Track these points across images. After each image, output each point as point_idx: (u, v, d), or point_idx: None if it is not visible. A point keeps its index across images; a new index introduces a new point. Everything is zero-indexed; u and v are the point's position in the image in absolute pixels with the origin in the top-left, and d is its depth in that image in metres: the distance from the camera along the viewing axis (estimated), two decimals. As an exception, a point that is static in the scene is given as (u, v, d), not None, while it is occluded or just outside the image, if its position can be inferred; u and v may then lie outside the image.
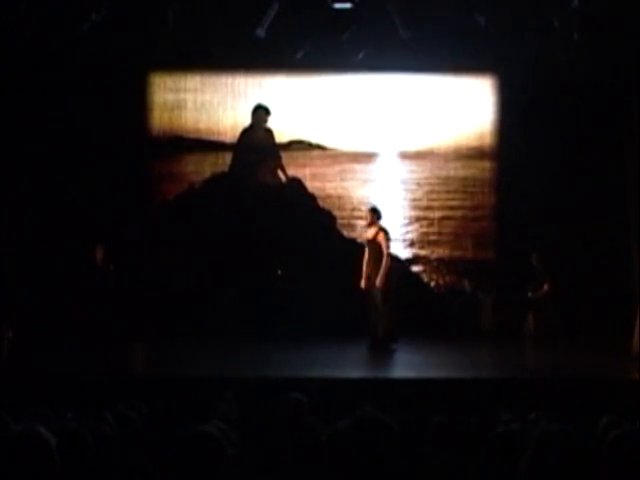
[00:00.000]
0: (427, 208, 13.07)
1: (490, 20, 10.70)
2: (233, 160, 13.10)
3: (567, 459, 2.69)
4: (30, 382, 8.53)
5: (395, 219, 12.81)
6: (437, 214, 13.06)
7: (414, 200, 13.05)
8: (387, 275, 10.84)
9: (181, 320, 12.15)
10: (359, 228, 12.99)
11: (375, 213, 11.13)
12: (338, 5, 10.60)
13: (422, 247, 12.87)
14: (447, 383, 8.91)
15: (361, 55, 11.79)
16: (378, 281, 10.79)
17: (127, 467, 4.06)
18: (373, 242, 10.99)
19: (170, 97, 13.01)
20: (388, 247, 10.96)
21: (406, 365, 10.56)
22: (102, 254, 11.98)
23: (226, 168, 13.08)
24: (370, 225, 11.11)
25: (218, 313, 12.24)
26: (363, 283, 11.03)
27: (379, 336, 10.95)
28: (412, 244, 13.00)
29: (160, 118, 13.00)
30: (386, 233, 11.08)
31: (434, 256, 12.99)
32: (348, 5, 10.61)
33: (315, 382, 8.38)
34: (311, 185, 13.06)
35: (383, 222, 11.52)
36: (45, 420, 4.79)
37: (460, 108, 13.02)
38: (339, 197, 13.09)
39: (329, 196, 13.07)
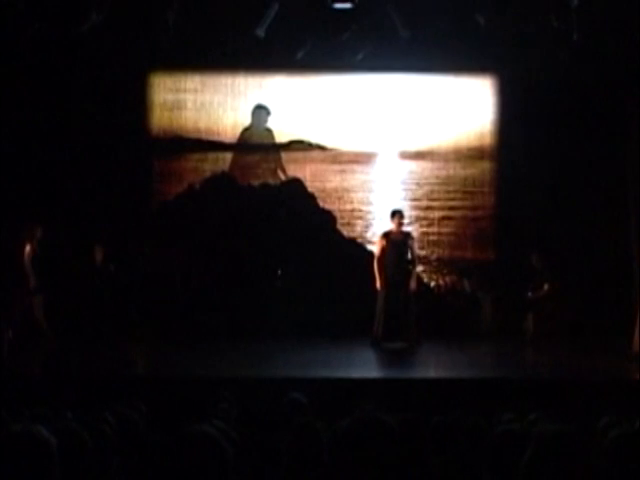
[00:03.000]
0: (427, 208, 13.06)
1: (490, 20, 10.70)
2: (233, 160, 13.11)
3: (567, 459, 2.69)
4: (30, 382, 8.54)
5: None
6: (437, 214, 13.06)
7: (414, 200, 13.05)
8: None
9: (181, 320, 12.14)
10: (359, 228, 13.01)
11: (403, 216, 11.37)
12: (338, 5, 10.59)
13: (422, 247, 12.86)
14: (447, 383, 8.92)
15: (361, 55, 11.78)
16: (413, 283, 11.20)
17: (127, 467, 4.05)
18: (402, 245, 11.12)
19: (170, 97, 13.01)
20: (416, 250, 11.57)
21: (406, 365, 10.58)
22: (102, 254, 11.98)
23: (226, 168, 13.08)
24: (399, 228, 11.26)
25: (218, 313, 12.24)
26: (379, 284, 11.08)
27: (381, 335, 11.04)
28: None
29: (160, 118, 13.00)
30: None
31: (434, 256, 12.99)
32: (348, 5, 10.60)
33: (315, 382, 8.38)
34: (311, 185, 13.05)
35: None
36: (45, 420, 4.79)
37: (460, 108, 13.02)
38: (339, 197, 13.08)
39: (329, 196, 13.07)
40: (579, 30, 10.39)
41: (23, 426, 2.76)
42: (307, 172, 13.06)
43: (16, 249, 11.27)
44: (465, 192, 13.09)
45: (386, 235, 11.33)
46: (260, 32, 10.92)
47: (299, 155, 13.08)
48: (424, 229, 12.97)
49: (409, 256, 11.29)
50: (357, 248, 12.81)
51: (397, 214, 11.35)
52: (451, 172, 13.07)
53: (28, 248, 11.23)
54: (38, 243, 11.31)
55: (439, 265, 13.01)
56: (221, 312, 12.24)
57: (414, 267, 11.38)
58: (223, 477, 2.62)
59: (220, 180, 13.02)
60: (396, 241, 11.21)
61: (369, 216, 13.02)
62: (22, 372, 9.36)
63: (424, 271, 12.91)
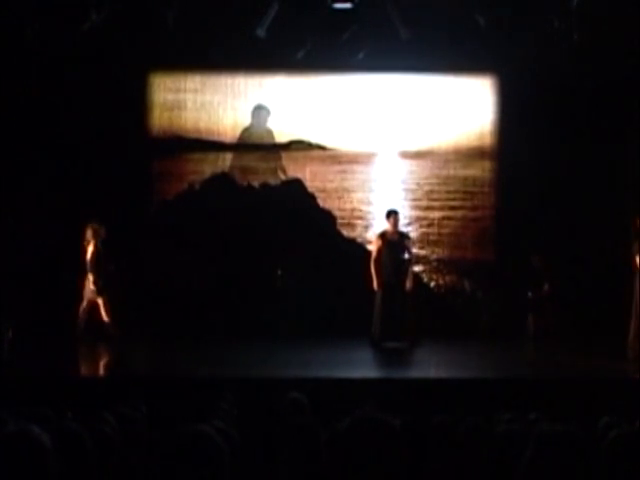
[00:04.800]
0: (427, 208, 13.06)
1: (490, 20, 10.70)
2: (233, 160, 13.10)
3: (567, 459, 2.69)
4: (30, 382, 8.53)
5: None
6: (437, 214, 13.06)
7: (414, 200, 13.05)
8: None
9: (181, 320, 12.14)
10: (359, 228, 13.00)
11: (398, 216, 11.39)
12: (338, 5, 10.60)
13: (422, 247, 12.87)
14: (447, 383, 8.91)
15: (361, 55, 11.79)
16: (409, 283, 11.17)
17: (127, 467, 4.05)
18: (398, 245, 11.12)
19: (170, 97, 13.00)
20: (412, 250, 11.59)
21: (406, 365, 10.58)
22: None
23: (226, 168, 13.07)
24: (394, 228, 11.26)
25: (218, 313, 12.24)
26: (376, 284, 11.09)
27: (380, 335, 11.04)
28: (412, 244, 12.98)
29: (160, 118, 12.99)
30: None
31: (434, 256, 12.99)
32: (348, 5, 10.61)
33: (315, 382, 8.38)
34: (311, 185, 13.05)
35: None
36: (45, 420, 4.79)
37: (460, 108, 13.02)
38: (339, 197, 13.08)
39: (329, 196, 13.07)
40: (579, 30, 10.40)
41: (16, 426, 2.74)
42: (307, 172, 13.06)
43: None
44: (465, 192, 13.09)
45: (382, 235, 11.34)
46: (261, 32, 10.93)
47: (299, 155, 13.07)
48: (424, 229, 12.97)
49: (405, 256, 11.29)
50: (357, 248, 12.80)
51: (392, 214, 11.36)
52: (451, 172, 13.06)
53: (92, 248, 11.24)
54: (102, 243, 11.34)
55: (439, 265, 13.01)
56: (221, 312, 12.24)
57: (410, 267, 11.37)
58: (220, 477, 2.61)
59: (220, 180, 13.02)
60: (392, 241, 11.22)
61: (369, 216, 13.01)
62: (22, 372, 9.34)
63: (424, 271, 12.91)
